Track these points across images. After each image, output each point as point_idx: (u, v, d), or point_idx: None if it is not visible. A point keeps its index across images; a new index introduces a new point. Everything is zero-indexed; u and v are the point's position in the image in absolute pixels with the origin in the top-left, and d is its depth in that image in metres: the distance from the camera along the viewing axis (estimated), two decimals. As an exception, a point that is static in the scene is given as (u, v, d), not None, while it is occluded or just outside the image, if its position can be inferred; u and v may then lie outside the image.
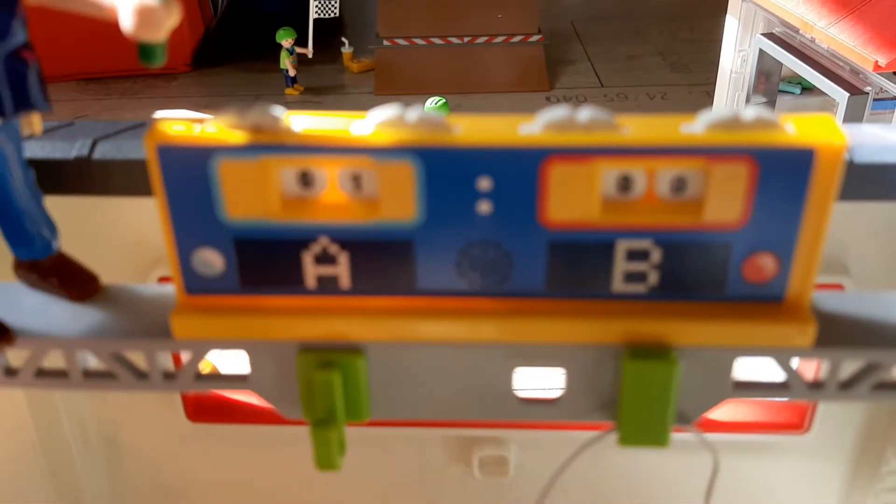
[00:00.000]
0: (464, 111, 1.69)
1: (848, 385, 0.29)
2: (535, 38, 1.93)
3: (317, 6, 1.86)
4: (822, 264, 0.41)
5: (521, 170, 0.25)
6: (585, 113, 0.25)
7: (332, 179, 0.26)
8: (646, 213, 0.26)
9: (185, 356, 0.30)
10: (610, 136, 0.25)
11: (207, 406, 0.48)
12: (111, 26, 0.26)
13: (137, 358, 0.30)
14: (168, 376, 0.30)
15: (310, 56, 1.86)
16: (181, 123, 0.26)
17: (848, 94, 0.92)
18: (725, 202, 0.26)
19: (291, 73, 1.80)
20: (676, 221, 0.26)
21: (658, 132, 0.25)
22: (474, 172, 0.25)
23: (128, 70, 1.89)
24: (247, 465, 0.50)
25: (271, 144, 0.25)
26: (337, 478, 0.51)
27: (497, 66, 1.90)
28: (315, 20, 1.87)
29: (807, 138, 0.25)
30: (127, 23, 0.25)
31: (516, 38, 1.93)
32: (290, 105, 1.80)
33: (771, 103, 1.19)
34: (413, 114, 0.25)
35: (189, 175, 0.26)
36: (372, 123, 0.25)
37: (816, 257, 0.26)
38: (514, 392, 0.29)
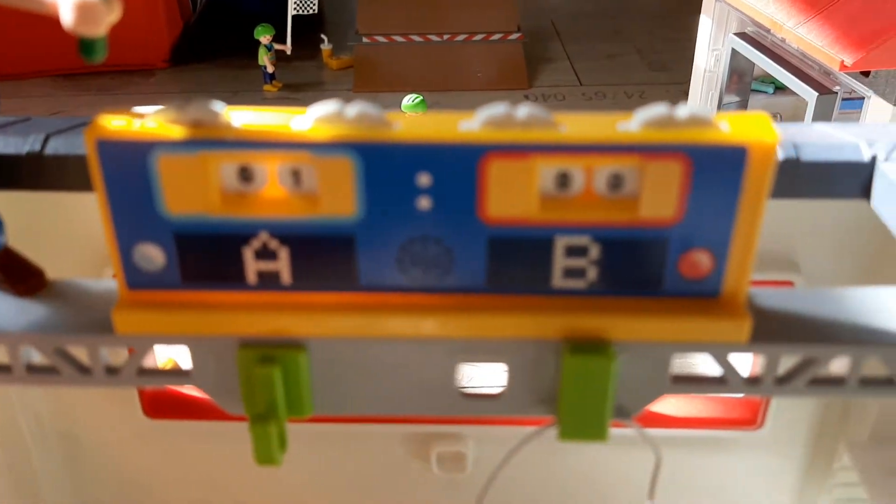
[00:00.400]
0: (442, 109, 1.69)
1: (785, 380, 0.29)
2: (514, 36, 1.93)
3: (296, 3, 1.85)
4: (773, 262, 0.42)
5: (459, 166, 0.26)
6: (524, 110, 0.25)
7: (272, 175, 0.26)
8: (584, 209, 0.27)
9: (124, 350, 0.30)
10: (547, 133, 0.25)
11: (165, 402, 0.48)
12: None
13: (81, 353, 0.30)
14: (111, 371, 0.30)
15: (288, 53, 1.86)
16: (122, 118, 0.26)
17: (817, 94, 0.93)
18: (661, 199, 0.26)
19: (270, 69, 1.80)
20: (614, 218, 0.27)
21: (595, 130, 0.26)
22: (413, 168, 0.26)
23: (104, 66, 1.88)
24: (205, 460, 0.50)
25: (210, 139, 0.25)
26: (296, 474, 0.51)
27: (476, 64, 1.91)
28: (294, 17, 1.86)
29: (739, 136, 0.25)
30: (67, 18, 0.25)
31: (496, 36, 1.93)
32: (269, 101, 1.79)
33: (744, 102, 1.20)
34: (352, 109, 0.25)
35: (128, 170, 0.26)
36: (311, 119, 0.25)
37: (751, 254, 0.27)
38: (457, 387, 0.30)
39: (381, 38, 1.89)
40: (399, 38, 1.90)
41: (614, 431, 0.31)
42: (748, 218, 0.26)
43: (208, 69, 1.95)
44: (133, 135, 0.25)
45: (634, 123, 0.25)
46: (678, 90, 1.81)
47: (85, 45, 0.25)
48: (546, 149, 0.25)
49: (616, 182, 0.26)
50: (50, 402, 0.47)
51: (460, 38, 1.92)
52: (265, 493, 0.51)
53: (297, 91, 1.82)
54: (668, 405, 0.49)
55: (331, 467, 0.50)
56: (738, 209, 0.26)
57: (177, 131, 0.25)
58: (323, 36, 1.93)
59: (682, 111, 0.25)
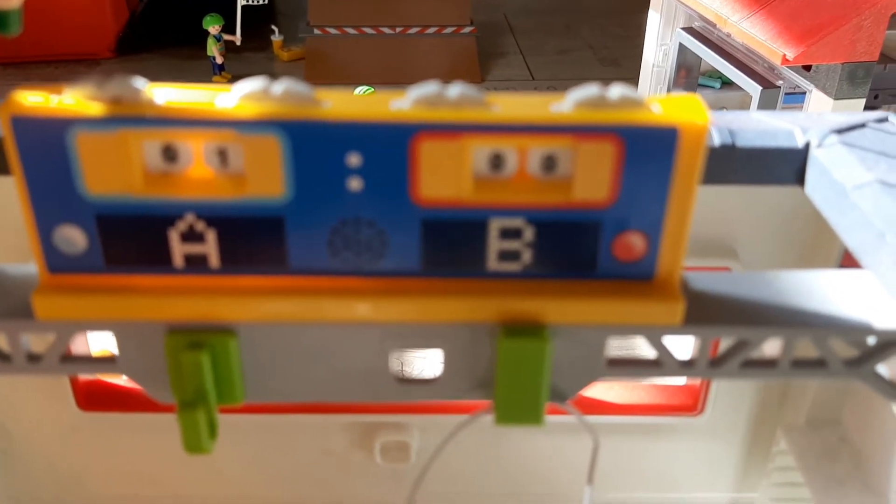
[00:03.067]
0: (394, 101, 1.68)
1: (718, 363, 0.29)
2: (467, 29, 1.93)
3: (246, -7, 1.82)
4: (710, 248, 0.42)
5: (390, 146, 0.25)
6: (455, 90, 0.25)
7: (197, 154, 0.26)
8: (518, 191, 0.26)
9: (52, 337, 0.29)
10: (479, 112, 0.25)
11: (99, 394, 0.46)
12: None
13: (1, 340, 0.29)
14: (32, 359, 0.29)
15: (238, 43, 1.83)
16: (39, 94, 0.25)
17: (761, 88, 0.94)
18: (593, 180, 0.26)
19: (219, 60, 1.77)
20: (548, 200, 0.26)
21: (527, 110, 0.25)
22: (343, 148, 0.25)
23: (48, 55, 1.84)
24: (141, 453, 0.49)
25: (131, 117, 0.24)
26: (236, 466, 0.50)
27: (429, 57, 1.90)
28: (244, 7, 1.83)
29: (670, 117, 0.25)
30: None
31: (448, 30, 1.93)
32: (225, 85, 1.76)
33: (691, 97, 1.21)
34: (279, 87, 0.25)
35: (46, 148, 0.25)
36: (236, 96, 0.25)
37: (684, 236, 0.27)
38: (392, 373, 0.29)
39: (332, 30, 1.88)
40: (351, 31, 1.89)
41: (557, 418, 0.31)
42: (681, 200, 0.26)
43: (155, 59, 1.91)
44: (50, 111, 0.24)
45: (567, 104, 0.25)
46: (629, 85, 1.82)
47: None
48: (478, 129, 0.25)
49: (549, 163, 0.26)
50: (-22, 395, 0.46)
51: (413, 30, 1.91)
52: (204, 486, 0.50)
53: (248, 82, 1.79)
54: (611, 392, 0.49)
55: (272, 459, 0.49)
56: (671, 191, 0.26)
57: (96, 108, 0.24)
58: (274, 27, 1.91)
59: (614, 92, 0.25)
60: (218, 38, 1.75)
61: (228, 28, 1.78)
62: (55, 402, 0.46)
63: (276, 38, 1.90)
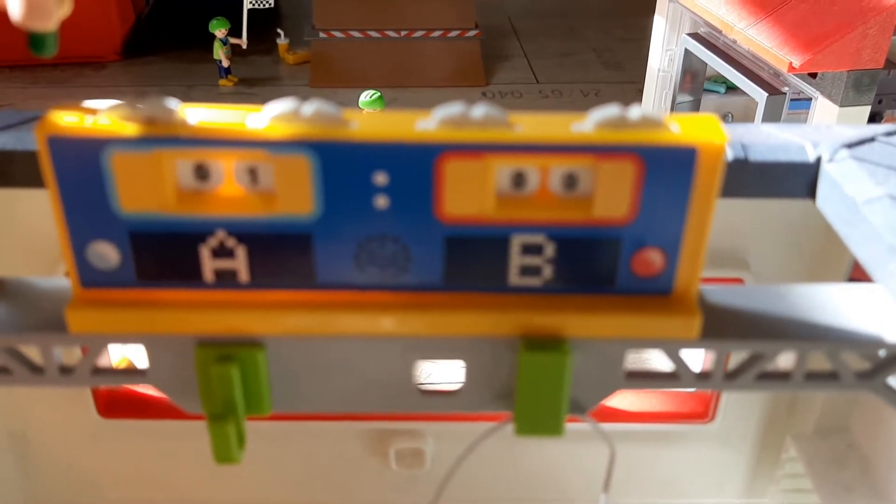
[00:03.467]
0: (399, 105, 1.69)
1: (733, 375, 0.30)
2: (471, 32, 1.93)
3: (251, -4, 1.83)
4: (723, 259, 0.43)
5: (416, 165, 0.26)
6: (479, 110, 0.26)
7: (228, 173, 0.26)
8: (539, 208, 0.27)
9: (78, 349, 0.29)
10: (503, 133, 0.26)
11: (119, 402, 0.47)
12: None
13: (34, 353, 0.30)
14: (65, 371, 0.29)
15: (244, 47, 1.84)
16: (74, 114, 0.25)
17: (766, 94, 0.94)
18: (614, 198, 0.26)
19: (225, 63, 1.77)
20: (568, 217, 0.27)
21: (549, 130, 0.26)
22: (370, 167, 0.26)
23: (55, 58, 1.84)
24: (160, 459, 0.49)
25: (165, 137, 0.25)
26: (252, 471, 0.51)
27: (433, 60, 1.91)
28: (250, 11, 1.84)
29: (689, 137, 0.26)
30: (15, 12, 0.24)
31: (453, 33, 1.93)
32: (225, 96, 1.77)
33: (697, 102, 1.22)
34: (309, 107, 0.25)
35: (81, 167, 0.25)
36: (267, 117, 0.25)
37: (702, 252, 0.27)
38: (415, 384, 0.30)
39: (338, 34, 1.88)
40: (356, 34, 1.90)
41: (572, 426, 0.32)
42: (699, 217, 0.27)
43: (162, 62, 1.92)
44: (85, 132, 0.25)
45: (588, 124, 0.26)
46: (633, 89, 1.83)
47: (35, 40, 0.25)
48: (501, 148, 0.26)
49: (570, 182, 0.27)
50: (1, 402, 0.46)
51: (418, 34, 1.92)
52: (221, 491, 0.51)
53: (253, 86, 1.80)
54: (623, 400, 0.50)
55: (288, 465, 0.50)
56: (689, 209, 0.27)
57: (131, 128, 0.25)
58: (279, 30, 1.91)
59: (634, 112, 0.26)
60: (224, 42, 1.75)
61: (234, 31, 1.79)
62: (76, 409, 0.46)
63: (282, 41, 1.90)
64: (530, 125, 0.26)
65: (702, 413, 0.48)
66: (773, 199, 0.38)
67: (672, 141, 0.25)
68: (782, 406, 0.48)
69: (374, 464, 0.50)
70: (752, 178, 0.37)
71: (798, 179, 0.37)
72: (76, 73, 1.85)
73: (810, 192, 0.37)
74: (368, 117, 0.26)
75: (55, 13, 0.24)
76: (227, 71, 1.79)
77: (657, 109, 1.25)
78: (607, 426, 0.48)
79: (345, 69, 1.86)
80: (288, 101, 0.25)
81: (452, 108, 0.26)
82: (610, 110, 0.26)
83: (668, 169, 0.26)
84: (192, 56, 1.91)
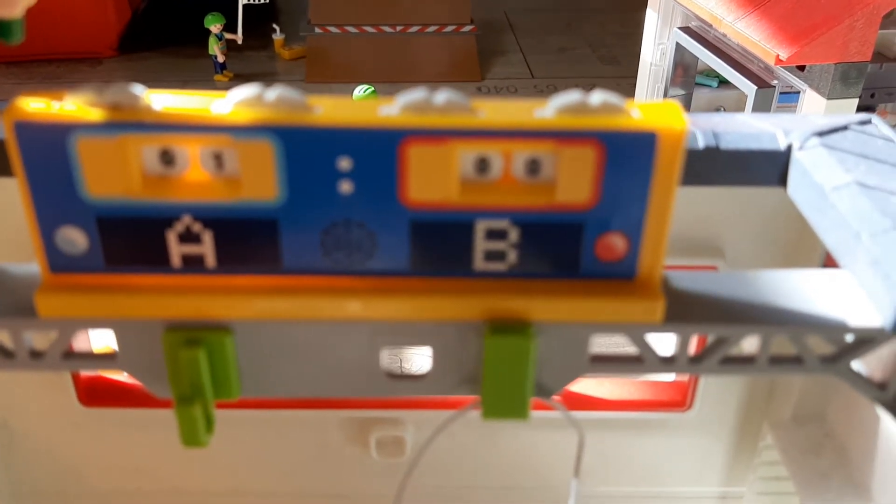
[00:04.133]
0: (394, 100, 1.68)
1: (698, 359, 0.30)
2: (467, 28, 1.93)
3: (247, -8, 1.83)
4: (698, 247, 0.43)
5: (379, 150, 0.26)
6: (442, 96, 0.26)
7: (193, 158, 0.27)
8: (503, 193, 0.27)
9: (54, 335, 0.30)
10: (465, 118, 0.26)
11: (100, 390, 0.47)
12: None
13: (5, 338, 0.30)
14: (35, 355, 0.30)
15: (239, 42, 1.84)
16: (40, 100, 0.26)
17: (756, 88, 0.95)
18: (576, 183, 0.27)
19: (220, 59, 1.78)
20: (532, 202, 0.27)
21: (511, 116, 0.26)
22: (334, 152, 0.26)
23: (51, 53, 1.85)
24: (143, 448, 0.50)
25: (130, 122, 0.25)
26: (233, 460, 0.51)
27: (429, 56, 1.91)
28: (245, 6, 1.84)
29: (649, 123, 0.26)
30: None
31: (449, 28, 1.94)
32: (220, 91, 1.77)
33: (689, 95, 1.22)
34: (272, 93, 0.26)
35: (48, 152, 0.26)
36: (231, 102, 0.26)
37: (664, 237, 0.28)
38: (383, 369, 0.30)
39: (333, 29, 1.89)
40: (352, 29, 1.90)
41: (548, 414, 0.32)
42: (660, 202, 0.27)
43: (157, 58, 1.93)
44: (51, 117, 0.25)
45: (549, 110, 0.26)
46: (628, 83, 1.83)
47: (1, 28, 0.25)
48: (464, 134, 0.26)
49: (533, 167, 0.27)
50: (-18, 390, 0.47)
51: (413, 29, 1.92)
52: (203, 480, 0.51)
53: (249, 81, 1.80)
54: (602, 388, 0.50)
55: (268, 453, 0.50)
56: (651, 193, 0.27)
57: (96, 114, 0.25)
58: (275, 25, 1.92)
59: (596, 98, 0.26)
60: (220, 37, 1.76)
61: (230, 27, 1.79)
62: (57, 397, 0.47)
63: (278, 36, 1.91)
64: (493, 111, 0.26)
65: (679, 401, 0.48)
66: (746, 187, 0.38)
67: (632, 126, 0.26)
68: (760, 394, 0.48)
69: (355, 452, 0.50)
70: (723, 166, 0.37)
71: (769, 167, 0.37)
72: (71, 68, 1.85)
73: (781, 179, 0.37)
74: (332, 103, 0.26)
75: (21, 1, 0.24)
76: (223, 66, 1.79)
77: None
78: (584, 414, 0.48)
79: (340, 64, 1.86)
80: (252, 87, 0.26)
81: (415, 94, 0.26)
82: (571, 96, 0.26)
83: (629, 154, 0.26)
84: (188, 52, 1.91)
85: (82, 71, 1.85)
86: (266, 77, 1.83)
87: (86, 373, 0.49)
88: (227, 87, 1.75)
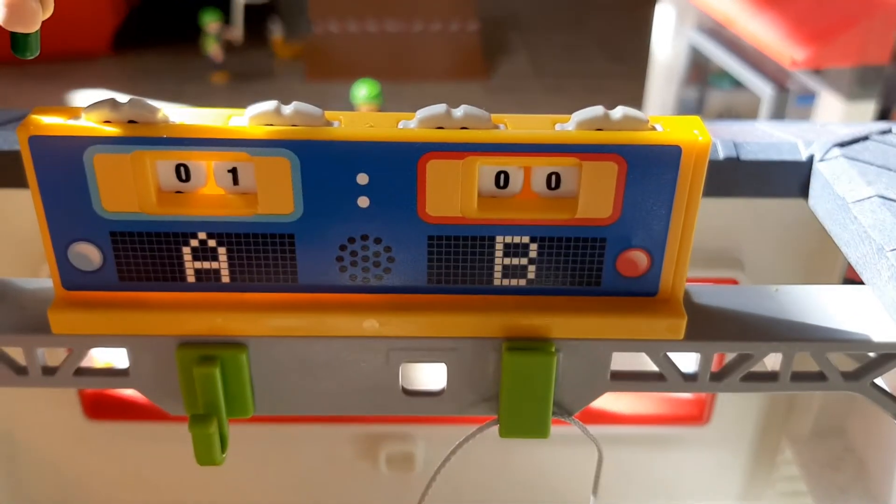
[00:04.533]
0: (397, 100, 1.69)
1: (720, 376, 0.30)
2: (472, 24, 1.94)
3: (246, -11, 1.84)
4: (717, 260, 0.44)
5: (398, 165, 0.26)
6: (461, 110, 0.26)
7: (209, 173, 0.27)
8: (523, 208, 0.28)
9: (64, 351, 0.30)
10: (485, 133, 0.26)
11: (105, 404, 0.48)
12: None
13: (17, 353, 0.30)
14: (47, 371, 0.30)
15: (238, 41, 1.84)
16: (56, 114, 0.26)
17: (771, 90, 0.95)
18: (598, 198, 0.27)
19: (218, 58, 1.78)
20: (552, 217, 0.28)
21: (533, 130, 0.27)
22: (352, 167, 0.26)
23: (46, 52, 1.85)
24: (147, 462, 0.50)
25: (145, 137, 0.26)
26: (242, 474, 0.51)
27: (432, 53, 1.91)
28: (245, 5, 1.85)
29: (673, 137, 0.26)
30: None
31: (453, 26, 1.94)
32: (217, 90, 1.78)
33: (702, 96, 1.22)
34: (289, 107, 0.26)
35: (62, 167, 0.26)
36: (248, 117, 0.26)
37: (687, 253, 0.28)
38: (400, 386, 0.31)
39: (334, 26, 1.89)
40: (353, 26, 1.90)
41: (562, 429, 0.32)
42: (684, 218, 0.27)
43: (154, 56, 1.93)
44: (67, 131, 0.26)
45: (571, 124, 0.26)
46: (636, 82, 1.83)
47: (16, 42, 0.26)
48: (484, 148, 0.26)
49: (554, 182, 0.27)
50: (-15, 403, 0.47)
51: (417, 26, 1.92)
52: (210, 493, 0.51)
53: (247, 80, 1.80)
54: (619, 403, 0.50)
55: (278, 468, 0.51)
56: (674, 209, 0.27)
57: (112, 129, 0.26)
58: (273, 24, 1.92)
59: (618, 112, 0.26)
60: (217, 35, 1.76)
61: (228, 24, 1.80)
62: (62, 410, 0.47)
63: (277, 34, 1.91)
64: (513, 125, 0.27)
65: (697, 416, 0.48)
66: (767, 199, 0.38)
67: (655, 140, 0.26)
68: (779, 409, 0.48)
69: (365, 467, 0.51)
70: (744, 178, 0.37)
71: (790, 178, 0.37)
72: (68, 68, 1.85)
73: (803, 191, 0.38)
74: (350, 117, 0.27)
75: (37, 17, 0.25)
76: (220, 65, 1.80)
77: (661, 104, 1.26)
78: (601, 429, 0.48)
79: (341, 62, 1.87)
80: (269, 102, 0.26)
81: (435, 109, 0.26)
82: (593, 110, 0.26)
83: (652, 168, 0.26)
84: (184, 50, 1.92)
85: (78, 70, 1.85)
86: (264, 76, 1.84)
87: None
88: (223, 87, 1.75)
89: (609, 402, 0.49)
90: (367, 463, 0.50)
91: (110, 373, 0.31)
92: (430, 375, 0.31)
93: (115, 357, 0.51)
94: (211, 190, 0.27)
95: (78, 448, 0.49)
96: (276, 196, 0.27)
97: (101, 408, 0.48)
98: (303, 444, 0.50)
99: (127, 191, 0.27)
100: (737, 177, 0.37)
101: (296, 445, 0.50)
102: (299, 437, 0.50)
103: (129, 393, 0.48)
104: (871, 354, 0.31)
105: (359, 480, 0.51)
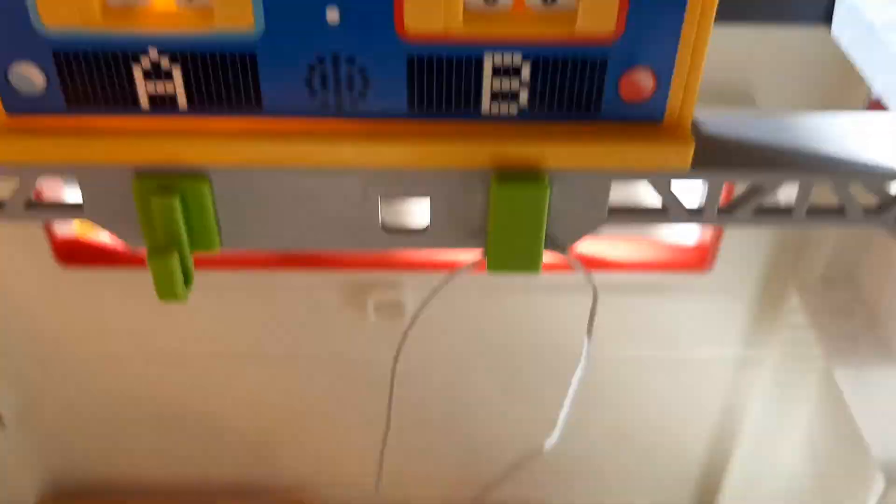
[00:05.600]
0: None
1: (729, 210, 0.29)
2: None
3: None
4: (725, 93, 0.41)
5: (372, -29, 0.24)
6: None
7: (159, -16, 0.24)
8: (514, 23, 0.25)
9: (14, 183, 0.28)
10: (471, -68, 0.23)
11: (79, 251, 0.47)
12: None
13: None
14: (-5, 205, 0.29)
15: None
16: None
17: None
18: (599, 11, 0.24)
19: None
20: (548, 33, 0.25)
21: (526, -71, 0.24)
22: (319, -26, 0.24)
23: None
24: (125, 310, 0.49)
25: (85, -61, 0.23)
26: (225, 322, 0.51)
27: None
28: None
29: (686, -65, 0.23)
30: None
31: None
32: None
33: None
34: None
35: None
36: (200, -86, 0.23)
37: (698, 73, 0.26)
38: (378, 221, 0.29)
39: None
40: None
41: (558, 277, 0.31)
42: (696, 32, 0.25)
43: None
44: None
45: (570, -78, 0.24)
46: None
47: None
48: (469, -49, 0.24)
49: (550, -8, 0.25)
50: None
51: None
52: (189, 342, 0.51)
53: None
54: (619, 249, 0.49)
55: (263, 316, 0.50)
56: (685, 22, 0.25)
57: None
58: None
59: None
60: None
61: None
62: (32, 257, 0.46)
63: None
64: (505, -76, 0.24)
65: (699, 262, 0.47)
66: (784, 27, 0.36)
67: (666, -59, 0.23)
68: (787, 255, 0.47)
69: (352, 315, 0.50)
70: (759, 1, 0.34)
71: (812, 3, 0.35)
72: None
73: (826, 17, 0.35)
74: (318, -86, 0.24)
75: None
76: None
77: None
78: (599, 276, 0.47)
79: None
80: None
81: None
82: None
83: (662, -27, 0.24)
84: None
85: None
86: None
87: (62, 233, 0.47)
88: None
89: (608, 248, 0.48)
90: (354, 311, 0.50)
91: (63, 206, 0.29)
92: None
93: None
94: (162, 3, 0.25)
95: (53, 296, 0.48)
96: (234, 9, 0.24)
97: (75, 255, 0.46)
98: (289, 292, 0.49)
99: (68, 3, 0.24)
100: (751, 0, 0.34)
101: (281, 293, 0.49)
102: (285, 284, 0.49)
103: (103, 240, 0.47)
104: (894, 188, 0.29)
105: (346, 328, 0.51)
